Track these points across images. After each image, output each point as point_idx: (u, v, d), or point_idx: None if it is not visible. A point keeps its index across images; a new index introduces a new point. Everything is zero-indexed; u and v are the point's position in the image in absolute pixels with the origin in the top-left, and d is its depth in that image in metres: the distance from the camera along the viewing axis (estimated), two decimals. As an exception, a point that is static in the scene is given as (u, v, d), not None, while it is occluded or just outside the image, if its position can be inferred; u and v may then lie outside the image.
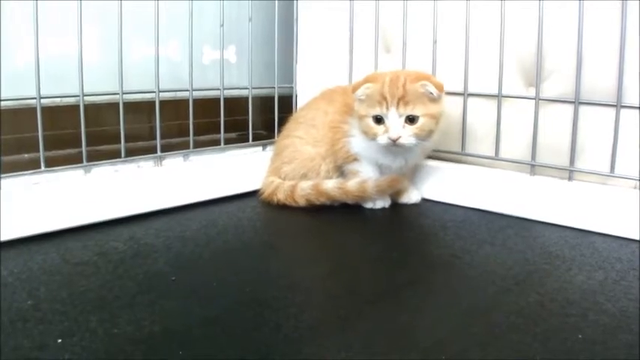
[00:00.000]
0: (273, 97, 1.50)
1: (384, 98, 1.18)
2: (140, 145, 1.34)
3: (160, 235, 1.11)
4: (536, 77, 1.23)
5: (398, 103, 1.17)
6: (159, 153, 1.27)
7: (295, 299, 0.86)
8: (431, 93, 1.18)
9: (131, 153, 1.24)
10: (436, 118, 1.20)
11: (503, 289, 0.90)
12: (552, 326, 0.78)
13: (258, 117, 1.50)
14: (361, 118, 1.23)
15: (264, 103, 1.55)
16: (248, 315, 0.81)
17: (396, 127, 1.18)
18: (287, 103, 1.55)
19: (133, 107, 1.35)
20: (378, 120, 1.20)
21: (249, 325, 0.77)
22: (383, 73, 1.25)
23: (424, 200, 1.38)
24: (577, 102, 1.19)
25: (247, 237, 1.15)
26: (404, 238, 1.18)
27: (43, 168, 1.11)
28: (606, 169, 1.17)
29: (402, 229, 1.24)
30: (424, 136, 1.20)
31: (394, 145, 1.19)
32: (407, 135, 1.18)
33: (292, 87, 1.55)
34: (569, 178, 1.21)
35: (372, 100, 1.20)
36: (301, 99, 1.54)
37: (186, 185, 1.29)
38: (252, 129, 1.45)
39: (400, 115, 1.18)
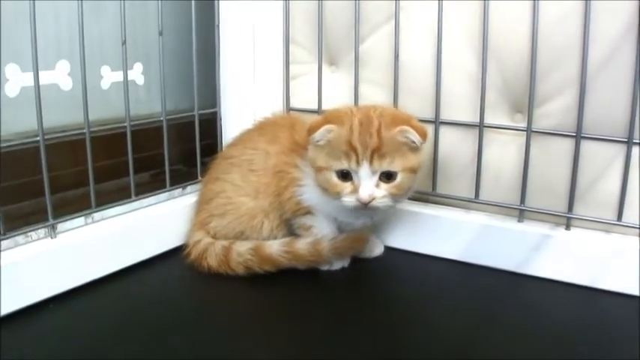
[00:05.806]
0: (192, 122, 1.18)
1: (354, 149, 0.89)
2: (25, 208, 1.01)
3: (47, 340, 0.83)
4: (528, 104, 1.00)
5: (372, 157, 0.89)
6: (51, 221, 0.95)
7: None
8: (413, 142, 0.91)
9: (12, 219, 0.93)
10: (416, 171, 0.93)
11: None
12: None
13: (174, 148, 1.18)
14: (319, 170, 0.95)
15: (181, 129, 1.21)
16: None
17: (368, 187, 0.90)
18: (210, 128, 1.24)
19: (10, 157, 1.01)
20: (344, 175, 0.93)
21: None
22: (347, 109, 0.96)
23: (389, 249, 1.13)
24: (579, 136, 0.97)
25: (176, 323, 0.88)
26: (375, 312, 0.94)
27: None
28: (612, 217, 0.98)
29: (370, 299, 0.99)
30: (401, 195, 0.94)
31: (365, 208, 0.93)
32: (381, 196, 0.91)
33: (216, 111, 1.24)
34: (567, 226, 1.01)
35: (336, 149, 0.91)
36: (227, 122, 1.24)
37: (89, 257, 0.99)
38: (169, 165, 1.14)
39: (374, 172, 0.91)
